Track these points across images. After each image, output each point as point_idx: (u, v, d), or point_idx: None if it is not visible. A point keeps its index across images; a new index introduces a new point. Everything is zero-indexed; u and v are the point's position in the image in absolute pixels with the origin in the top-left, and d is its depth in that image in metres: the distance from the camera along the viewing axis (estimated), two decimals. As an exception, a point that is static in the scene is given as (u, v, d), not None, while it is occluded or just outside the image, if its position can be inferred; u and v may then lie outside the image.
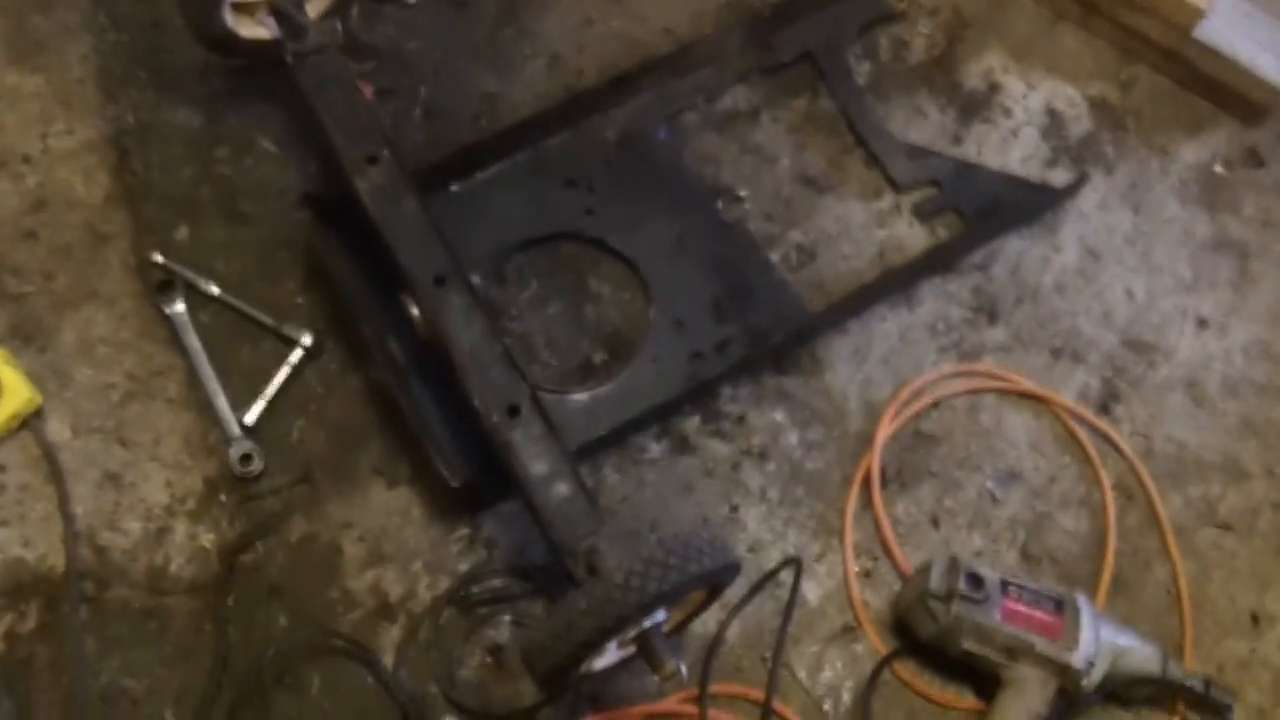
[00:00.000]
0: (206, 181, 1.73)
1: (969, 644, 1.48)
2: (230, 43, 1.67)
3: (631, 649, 1.36)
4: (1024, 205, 1.81)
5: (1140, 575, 1.64)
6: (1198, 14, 1.83)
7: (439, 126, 1.81)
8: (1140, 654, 1.50)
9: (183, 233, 1.69)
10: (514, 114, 1.82)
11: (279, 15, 1.61)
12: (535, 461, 1.41)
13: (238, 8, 1.63)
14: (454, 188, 1.75)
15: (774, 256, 1.77)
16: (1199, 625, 1.62)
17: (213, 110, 1.77)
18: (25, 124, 1.74)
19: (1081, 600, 1.50)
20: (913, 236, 1.81)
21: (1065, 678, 1.46)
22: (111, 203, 1.70)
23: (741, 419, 1.67)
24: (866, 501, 1.64)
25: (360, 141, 1.56)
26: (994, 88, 1.92)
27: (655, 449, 1.64)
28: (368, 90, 1.68)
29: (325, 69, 1.60)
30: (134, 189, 1.71)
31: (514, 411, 1.44)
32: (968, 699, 1.54)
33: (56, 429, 1.56)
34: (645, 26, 1.92)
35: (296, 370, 1.63)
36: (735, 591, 1.52)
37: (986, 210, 1.81)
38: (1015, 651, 1.47)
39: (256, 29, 1.67)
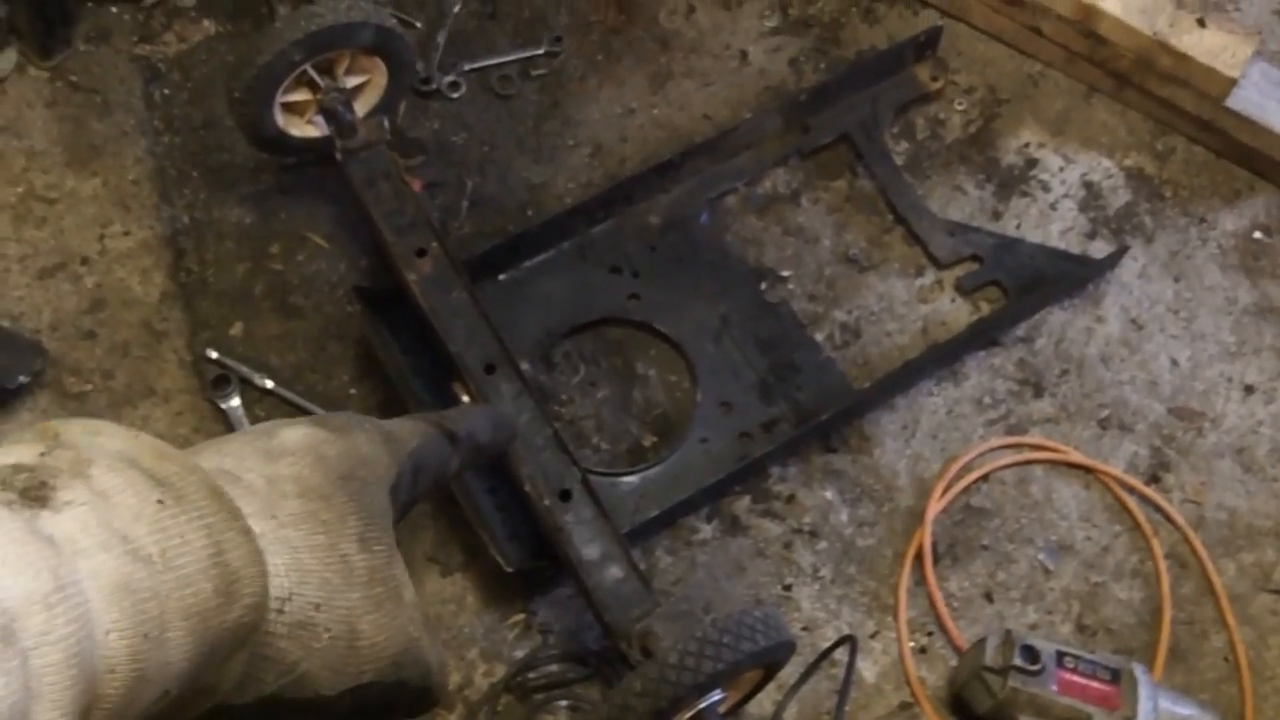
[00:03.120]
0: (260, 277, 1.77)
1: (1026, 717, 1.47)
2: (281, 142, 1.71)
3: (689, 730, 1.36)
4: (1065, 277, 1.82)
5: (1197, 644, 1.63)
6: (1230, 83, 1.84)
7: (486, 217, 1.84)
8: (1200, 724, 1.50)
9: (237, 328, 1.73)
10: (559, 203, 1.85)
11: (328, 114, 1.65)
12: (588, 545, 1.43)
13: (288, 107, 1.67)
14: (502, 277, 1.77)
15: (819, 335, 1.79)
16: (1259, 693, 1.60)
17: (265, 207, 1.81)
18: (83, 226, 1.78)
19: (1138, 670, 1.49)
20: (956, 312, 1.82)
21: (1125, 749, 1.46)
22: (167, 301, 1.74)
23: (791, 498, 1.68)
24: (919, 578, 1.64)
25: (409, 234, 1.59)
26: (1031, 163, 1.94)
27: (706, 530, 1.65)
28: (416, 184, 1.71)
29: (374, 165, 1.64)
30: (189, 287, 1.75)
31: (566, 496, 1.46)
32: (1027, 774, 1.53)
33: (118, 524, 1.58)
34: (685, 114, 1.95)
35: (351, 460, 1.64)
36: (791, 671, 1.52)
37: (1028, 283, 1.82)
38: (1073, 724, 1.46)
39: (306, 128, 1.71)
